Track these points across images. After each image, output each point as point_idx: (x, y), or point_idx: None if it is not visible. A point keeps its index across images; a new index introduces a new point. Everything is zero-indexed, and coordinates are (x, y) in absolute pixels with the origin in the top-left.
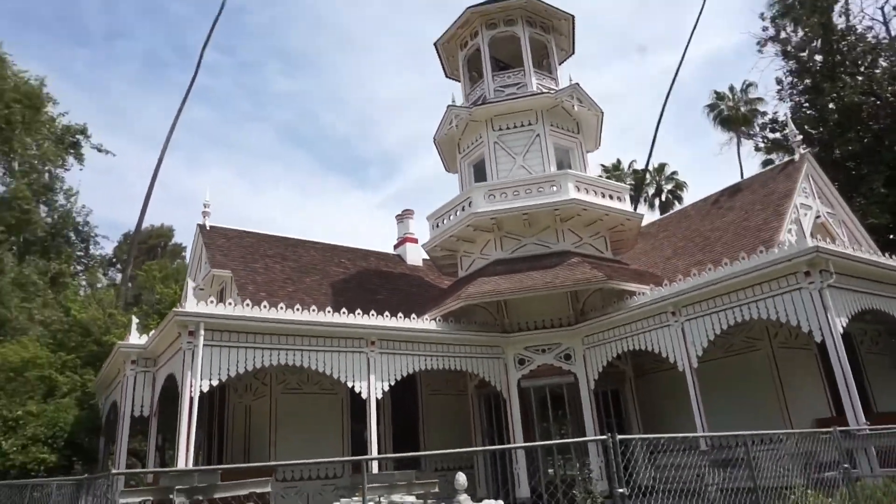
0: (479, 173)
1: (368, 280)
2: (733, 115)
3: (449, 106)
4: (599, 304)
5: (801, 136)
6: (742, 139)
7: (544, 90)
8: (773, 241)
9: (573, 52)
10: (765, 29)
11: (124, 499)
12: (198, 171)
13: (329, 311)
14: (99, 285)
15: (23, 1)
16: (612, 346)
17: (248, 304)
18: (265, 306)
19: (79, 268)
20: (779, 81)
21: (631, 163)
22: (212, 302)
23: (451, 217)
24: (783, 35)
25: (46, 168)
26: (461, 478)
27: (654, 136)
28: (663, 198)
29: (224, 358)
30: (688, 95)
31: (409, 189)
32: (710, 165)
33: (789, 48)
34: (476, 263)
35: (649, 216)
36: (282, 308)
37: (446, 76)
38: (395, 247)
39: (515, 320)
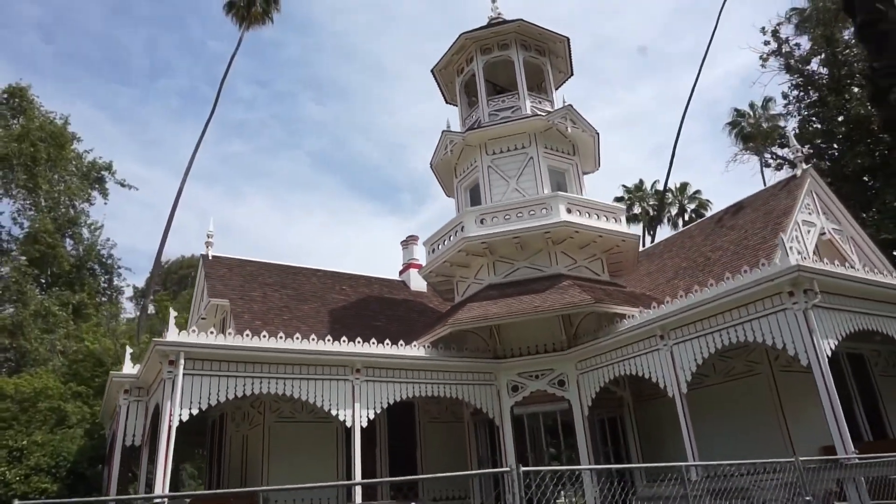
0: (475, 197)
1: (368, 307)
2: (754, 132)
3: (444, 131)
4: (592, 329)
5: (808, 151)
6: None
7: (539, 113)
8: (770, 260)
9: (571, 74)
10: (766, 43)
11: None
12: (236, 202)
13: (313, 339)
14: (126, 316)
15: (74, 44)
16: (605, 372)
17: (230, 333)
18: (247, 335)
19: (102, 299)
20: (785, 96)
21: (653, 183)
22: (193, 332)
23: (446, 242)
24: (785, 49)
25: (71, 203)
26: None
27: (672, 155)
28: (686, 217)
29: (205, 387)
30: (720, 112)
31: (442, 214)
32: (740, 183)
33: (792, 62)
34: (471, 288)
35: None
36: (264, 336)
37: (446, 102)
38: (400, 273)
39: (508, 346)
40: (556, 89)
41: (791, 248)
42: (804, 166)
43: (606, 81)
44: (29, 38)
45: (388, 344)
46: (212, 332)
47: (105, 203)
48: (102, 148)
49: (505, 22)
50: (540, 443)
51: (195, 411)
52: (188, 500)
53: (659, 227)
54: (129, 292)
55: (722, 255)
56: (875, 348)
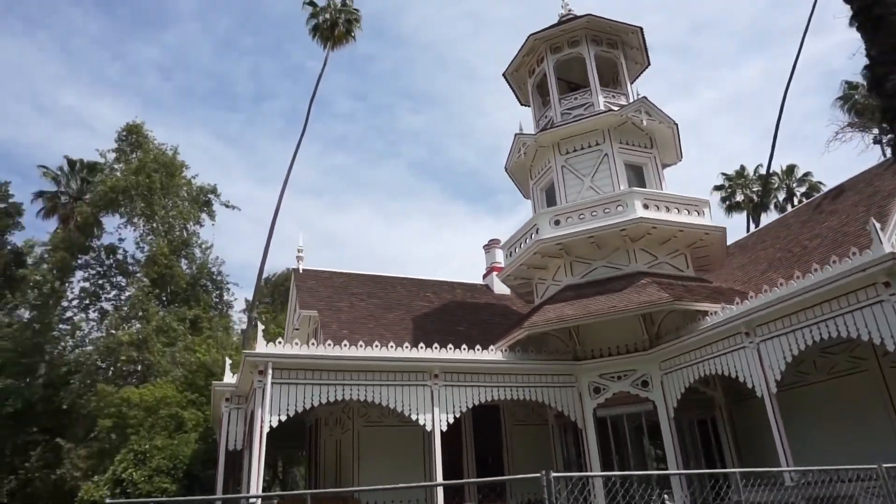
0: (550, 198)
1: (451, 312)
2: (866, 105)
3: (516, 134)
4: (674, 327)
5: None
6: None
7: (613, 108)
8: (864, 248)
9: (648, 64)
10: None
11: None
12: (340, 213)
13: (392, 346)
14: (241, 327)
15: (187, 80)
16: (690, 372)
17: (313, 344)
18: (329, 344)
19: (214, 313)
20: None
21: (756, 167)
22: (280, 343)
23: (522, 245)
24: None
25: (184, 226)
26: None
27: (774, 136)
28: (796, 202)
29: (292, 394)
30: (836, 84)
31: None
32: (860, 161)
33: None
34: (550, 290)
35: None
36: (345, 345)
37: (521, 104)
38: (484, 276)
39: (588, 347)
40: (633, 81)
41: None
42: None
43: (709, 63)
44: (150, 78)
45: (465, 349)
46: (296, 343)
47: (213, 224)
48: (217, 171)
49: (574, 18)
50: (625, 445)
51: (283, 417)
52: (275, 501)
53: (765, 214)
54: (242, 305)
55: (820, 243)
56: None
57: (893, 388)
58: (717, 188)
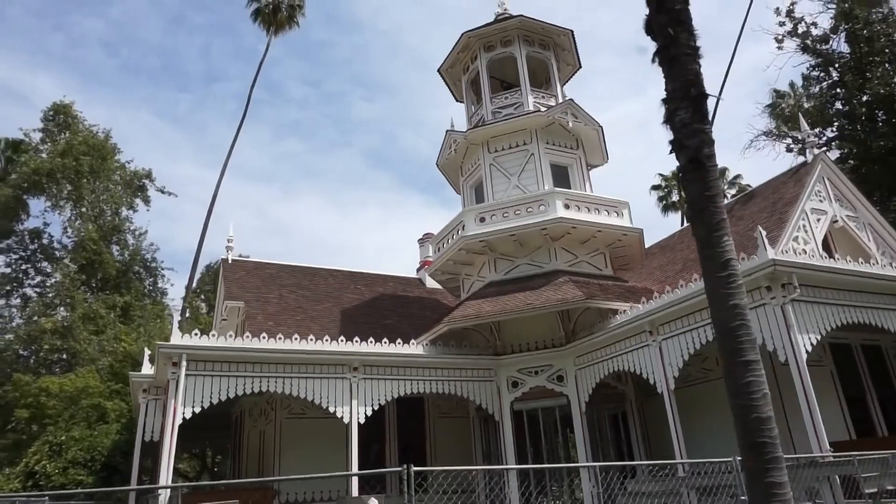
0: (479, 195)
1: (381, 305)
2: (794, 114)
3: (447, 131)
4: (589, 325)
5: (833, 133)
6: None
7: (542, 108)
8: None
9: (580, 66)
10: (781, 24)
11: None
12: (291, 201)
13: (311, 339)
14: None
15: (132, 55)
16: (601, 367)
17: (231, 335)
18: (247, 336)
19: (147, 301)
20: (805, 77)
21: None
22: (195, 335)
23: (449, 241)
24: (801, 28)
25: (116, 211)
26: (372, 502)
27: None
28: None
29: (207, 386)
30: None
31: None
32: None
33: (809, 41)
34: (475, 286)
35: None
36: (264, 338)
37: (456, 100)
38: (417, 270)
39: (508, 342)
40: (566, 83)
41: (797, 237)
42: (815, 151)
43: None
44: (94, 53)
45: (385, 342)
46: (213, 335)
47: (147, 210)
48: (164, 152)
49: (509, 18)
50: (539, 438)
51: (198, 409)
52: (185, 490)
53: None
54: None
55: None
56: None
57: (784, 385)
58: (655, 188)
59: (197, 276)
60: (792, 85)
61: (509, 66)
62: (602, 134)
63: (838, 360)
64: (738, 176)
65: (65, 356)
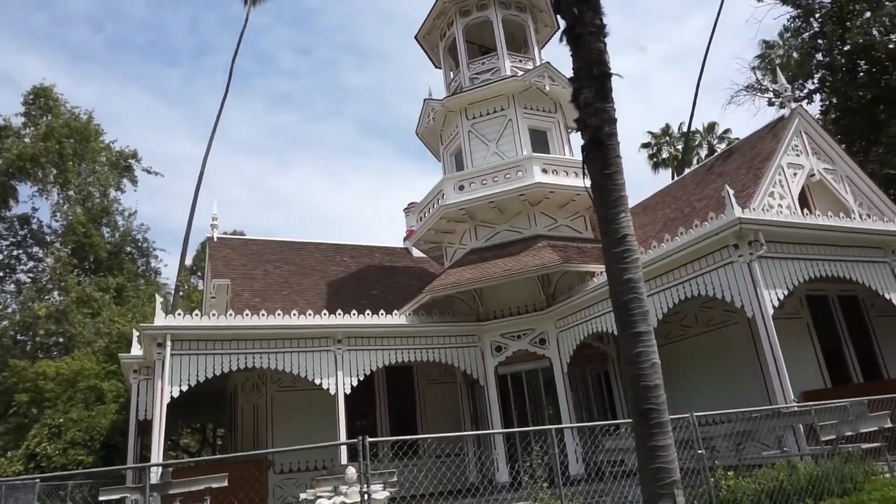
0: (459, 163)
1: (367, 276)
2: (784, 63)
3: (425, 99)
4: (567, 288)
5: (814, 86)
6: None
7: (520, 72)
8: (748, 206)
9: (558, 27)
10: None
11: (104, 496)
12: (285, 173)
13: (295, 314)
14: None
15: (119, 30)
16: (580, 329)
17: (214, 314)
18: (230, 314)
19: (141, 281)
20: (786, 29)
21: (680, 125)
22: (179, 315)
23: (430, 210)
24: None
25: (103, 193)
26: (350, 471)
27: (695, 95)
28: None
29: (192, 365)
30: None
31: None
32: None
33: None
34: (458, 254)
35: None
36: (247, 315)
37: (435, 67)
38: (404, 240)
39: (491, 308)
40: (545, 44)
41: (772, 192)
42: (792, 105)
43: (654, 18)
44: (80, 29)
45: (368, 314)
46: (197, 314)
47: (135, 190)
48: (156, 129)
49: None
50: (523, 400)
51: (185, 388)
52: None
53: (687, 170)
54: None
55: (706, 204)
56: None
57: (758, 339)
58: (645, 146)
59: (192, 252)
60: (782, 34)
61: (488, 30)
62: None
63: (815, 311)
64: (727, 130)
65: (61, 340)
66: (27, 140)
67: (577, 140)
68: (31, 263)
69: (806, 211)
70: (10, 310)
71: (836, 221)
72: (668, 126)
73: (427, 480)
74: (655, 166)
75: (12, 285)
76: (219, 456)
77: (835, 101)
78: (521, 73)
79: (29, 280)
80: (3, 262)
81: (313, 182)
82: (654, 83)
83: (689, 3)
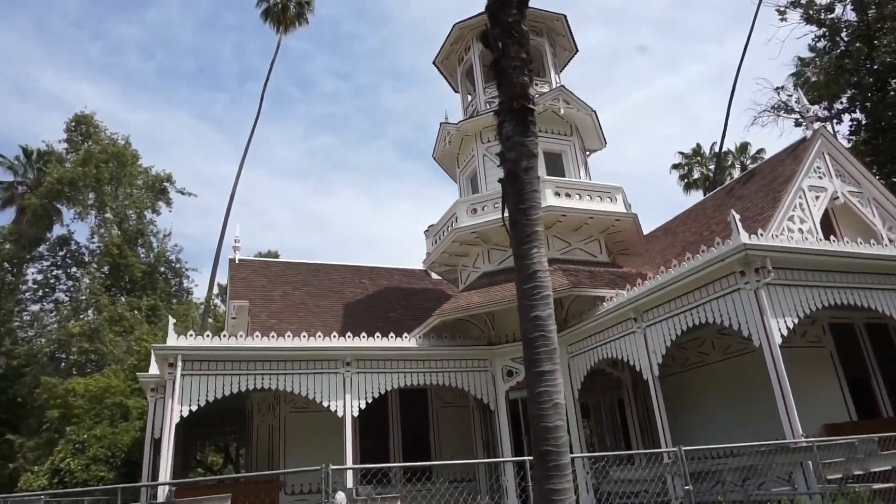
0: (474, 186)
1: (385, 298)
2: (819, 81)
3: (441, 123)
4: (579, 313)
5: (842, 106)
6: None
7: (535, 95)
8: (765, 231)
9: (576, 51)
10: None
11: None
12: (325, 194)
13: (305, 336)
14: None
15: (168, 58)
16: (592, 355)
17: (224, 335)
18: (240, 335)
19: (174, 301)
20: (812, 48)
21: (712, 145)
22: (191, 335)
23: (444, 233)
24: None
25: (139, 215)
26: (339, 497)
27: (727, 114)
28: None
29: (203, 385)
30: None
31: None
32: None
33: (811, 12)
34: (471, 277)
35: None
36: (257, 336)
37: (454, 91)
38: (423, 262)
39: (502, 332)
40: (563, 67)
41: (792, 216)
42: (815, 126)
43: (696, 39)
44: (132, 57)
45: (378, 336)
46: (208, 335)
47: (170, 211)
48: (203, 152)
49: None
50: None
51: (194, 408)
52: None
53: (708, 190)
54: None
55: (724, 228)
56: None
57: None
58: (675, 167)
59: (226, 273)
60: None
61: None
62: (596, 119)
63: (839, 340)
64: (760, 150)
65: (94, 357)
66: (68, 165)
67: (593, 163)
68: (69, 283)
69: (821, 236)
70: (48, 328)
71: (851, 247)
72: (699, 146)
73: None
74: (687, 187)
75: (51, 304)
76: (221, 476)
77: (864, 121)
78: (537, 96)
79: (66, 299)
80: (43, 281)
81: (353, 204)
82: (694, 103)
83: (731, 24)
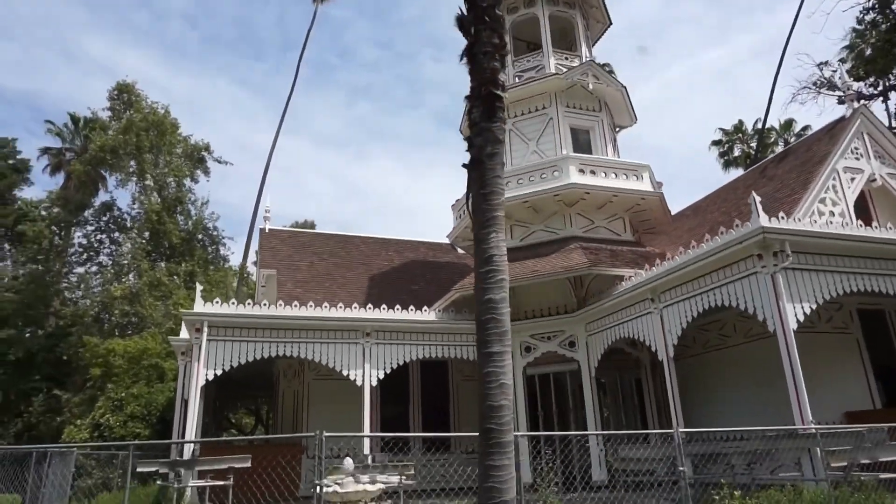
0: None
1: (410, 271)
2: (876, 53)
3: (466, 96)
4: (599, 291)
5: (890, 83)
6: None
7: (564, 70)
8: (791, 214)
9: (610, 23)
10: None
11: (142, 468)
12: (364, 163)
13: (326, 306)
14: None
15: (212, 26)
16: (609, 334)
17: (249, 303)
18: (265, 304)
19: (211, 268)
20: (860, 21)
21: (755, 121)
22: (217, 302)
23: (467, 208)
24: None
25: (178, 183)
26: (347, 462)
27: (772, 90)
28: None
29: (227, 350)
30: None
31: None
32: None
33: None
34: None
35: None
36: (280, 305)
37: None
38: (448, 235)
39: (521, 307)
40: (597, 41)
41: (824, 198)
42: (854, 105)
43: (745, 9)
44: (176, 25)
45: (398, 309)
46: (233, 302)
47: (207, 180)
48: (243, 120)
49: None
50: (550, 402)
51: (219, 372)
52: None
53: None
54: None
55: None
56: None
57: (803, 353)
58: (716, 143)
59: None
60: (872, 22)
61: (537, 27)
62: (627, 95)
63: (867, 326)
64: (805, 127)
65: (134, 320)
66: (110, 133)
67: (622, 139)
68: (112, 248)
69: (854, 220)
70: (93, 290)
71: (876, 232)
72: (741, 123)
73: (449, 475)
74: (727, 165)
75: (95, 267)
76: (243, 437)
77: None
78: (565, 70)
79: (109, 263)
80: (87, 245)
81: (391, 174)
82: (743, 76)
83: None
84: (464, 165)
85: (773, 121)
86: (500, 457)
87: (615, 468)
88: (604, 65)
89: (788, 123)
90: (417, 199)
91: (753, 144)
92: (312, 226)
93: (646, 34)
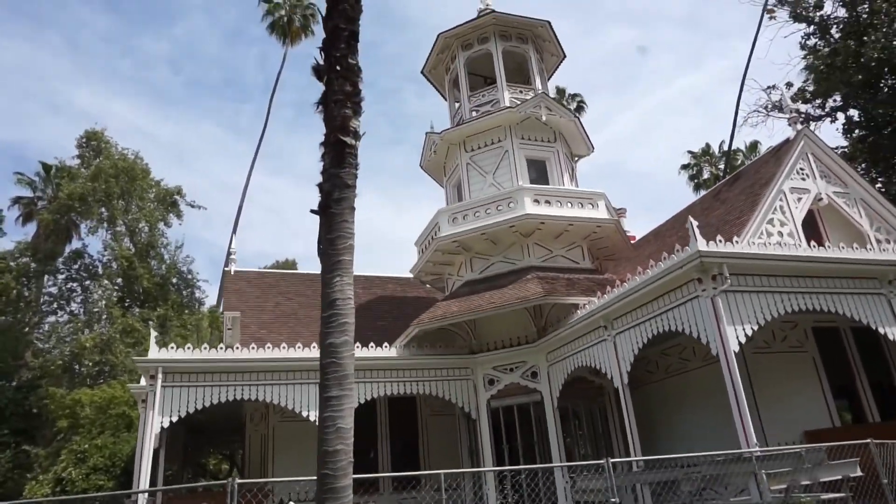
0: (459, 195)
1: (377, 307)
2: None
3: (427, 133)
4: (557, 321)
5: (835, 103)
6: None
7: (518, 103)
8: (740, 235)
9: (564, 56)
10: None
11: None
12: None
13: (284, 347)
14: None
15: (196, 70)
16: (569, 363)
17: (205, 347)
18: (221, 347)
19: (186, 312)
20: (802, 47)
21: (720, 143)
22: (172, 347)
23: (428, 243)
24: None
25: (151, 227)
26: None
27: (735, 113)
28: None
29: (183, 396)
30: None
31: None
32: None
33: (800, 10)
34: (455, 285)
35: None
36: (236, 348)
37: (444, 100)
38: (411, 270)
39: (483, 340)
40: (552, 73)
41: (772, 219)
42: (798, 127)
43: (719, 34)
44: (161, 71)
45: (358, 346)
46: (188, 347)
47: (180, 224)
48: (229, 162)
49: (482, 15)
50: (515, 435)
51: (175, 419)
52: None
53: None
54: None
55: (706, 231)
56: None
57: (756, 374)
58: (685, 167)
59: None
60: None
61: (491, 62)
62: (580, 125)
63: (823, 344)
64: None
65: (106, 369)
66: (80, 180)
67: (601, 167)
68: (83, 295)
69: (802, 239)
70: (64, 340)
71: (814, 252)
72: (708, 146)
73: None
74: (697, 187)
75: (66, 316)
76: (189, 485)
77: (858, 118)
78: (519, 103)
79: (80, 311)
80: (58, 294)
81: (377, 209)
82: (716, 101)
83: (756, 18)
84: (312, 211)
85: (740, 143)
86: (334, 503)
87: (576, 500)
88: (574, 95)
89: (754, 145)
90: (401, 233)
91: (721, 166)
92: (294, 265)
93: (625, 62)
